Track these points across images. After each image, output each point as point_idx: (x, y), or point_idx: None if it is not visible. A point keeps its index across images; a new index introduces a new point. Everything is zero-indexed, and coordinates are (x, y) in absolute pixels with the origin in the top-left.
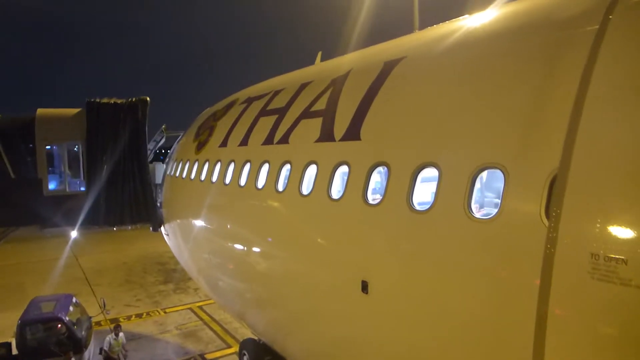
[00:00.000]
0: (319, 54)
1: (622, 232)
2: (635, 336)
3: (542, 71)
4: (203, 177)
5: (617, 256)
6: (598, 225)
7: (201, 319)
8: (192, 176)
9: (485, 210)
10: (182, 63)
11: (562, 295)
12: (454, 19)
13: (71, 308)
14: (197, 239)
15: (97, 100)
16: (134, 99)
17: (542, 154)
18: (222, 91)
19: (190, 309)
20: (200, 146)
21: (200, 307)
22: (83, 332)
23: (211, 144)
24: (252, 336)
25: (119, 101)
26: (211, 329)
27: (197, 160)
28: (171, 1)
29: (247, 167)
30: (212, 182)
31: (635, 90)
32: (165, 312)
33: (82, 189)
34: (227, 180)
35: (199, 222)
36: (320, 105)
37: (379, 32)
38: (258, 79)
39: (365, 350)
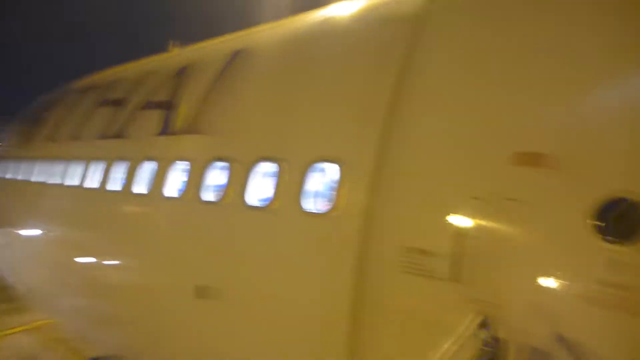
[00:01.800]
0: (171, 43)
1: (424, 222)
2: (443, 329)
3: (368, 67)
4: (27, 176)
5: (421, 247)
6: (405, 217)
7: (43, 341)
8: (17, 175)
9: (320, 205)
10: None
11: (375, 289)
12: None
13: None
14: (20, 248)
15: None
16: None
17: (368, 148)
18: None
19: (29, 329)
20: (27, 140)
21: (41, 327)
22: None
23: (40, 137)
24: (98, 355)
25: None
26: (55, 351)
27: (22, 156)
28: None
29: (78, 164)
30: (38, 182)
31: (448, 86)
32: None
33: None
34: (55, 180)
35: (20, 229)
36: (164, 95)
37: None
38: None
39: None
